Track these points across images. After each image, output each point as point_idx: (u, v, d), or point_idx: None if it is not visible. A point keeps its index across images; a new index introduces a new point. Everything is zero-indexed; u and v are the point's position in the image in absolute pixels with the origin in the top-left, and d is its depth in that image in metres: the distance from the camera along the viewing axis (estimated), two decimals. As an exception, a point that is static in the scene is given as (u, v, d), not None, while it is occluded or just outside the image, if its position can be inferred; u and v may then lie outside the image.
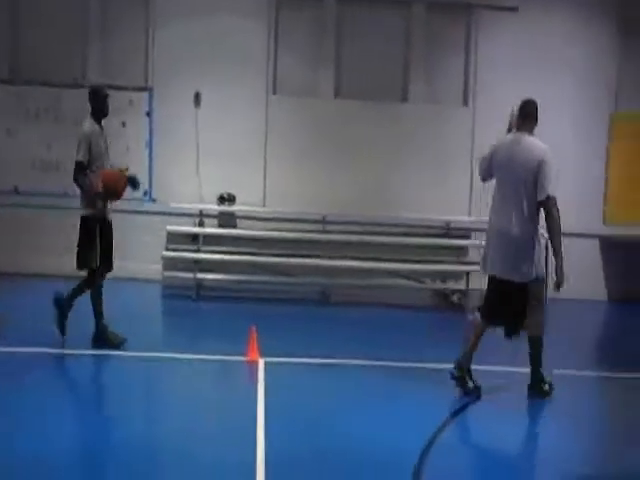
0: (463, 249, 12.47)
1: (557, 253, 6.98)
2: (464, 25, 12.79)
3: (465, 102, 12.77)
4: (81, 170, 8.14)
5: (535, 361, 7.34)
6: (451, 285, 12.11)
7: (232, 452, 5.73)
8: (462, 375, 7.35)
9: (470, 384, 7.33)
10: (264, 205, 12.52)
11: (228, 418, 6.56)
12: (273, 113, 12.58)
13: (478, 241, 12.09)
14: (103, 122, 8.42)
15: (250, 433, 5.99)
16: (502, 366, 8.25)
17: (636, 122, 12.76)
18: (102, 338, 8.29)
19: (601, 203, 12.93)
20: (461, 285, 11.98)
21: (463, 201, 12.61)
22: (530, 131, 7.30)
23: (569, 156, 12.56)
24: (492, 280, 7.28)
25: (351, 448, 5.90)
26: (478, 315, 7.36)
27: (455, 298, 11.68)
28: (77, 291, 8.38)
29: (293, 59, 12.66)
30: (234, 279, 11.79)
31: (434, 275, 12.21)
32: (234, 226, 12.24)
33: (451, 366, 7.43)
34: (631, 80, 12.83)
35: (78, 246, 8.28)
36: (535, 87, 12.51)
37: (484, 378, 7.60)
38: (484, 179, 7.49)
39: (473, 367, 7.43)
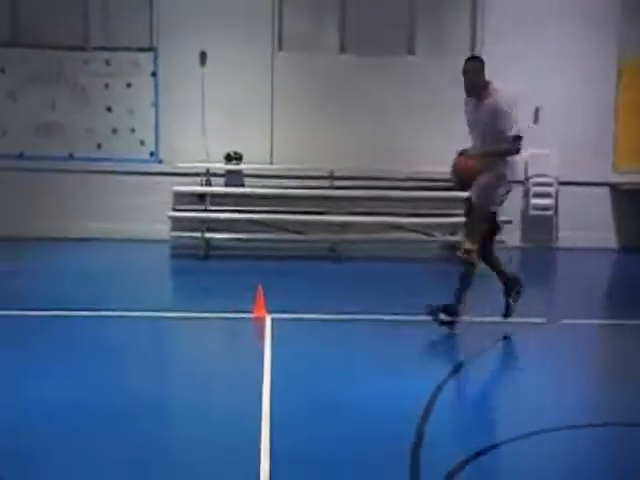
0: (473, 201, 12.33)
1: None
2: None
3: (472, 51, 12.56)
4: None
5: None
6: (460, 237, 11.99)
7: (238, 405, 5.74)
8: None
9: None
10: (271, 162, 12.46)
11: (234, 374, 6.55)
12: (279, 70, 12.45)
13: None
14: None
15: (256, 388, 5.99)
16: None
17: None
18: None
19: (611, 152, 12.77)
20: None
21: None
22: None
23: (578, 106, 12.50)
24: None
25: (356, 401, 5.90)
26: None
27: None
28: None
29: (298, 15, 12.50)
30: (242, 237, 11.76)
31: (443, 228, 12.13)
32: (241, 185, 12.19)
33: (462, 318, 7.57)
34: (638, 29, 12.61)
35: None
36: (543, 37, 12.42)
37: (487, 329, 7.64)
38: None
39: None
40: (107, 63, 12.30)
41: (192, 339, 7.76)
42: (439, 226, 12.07)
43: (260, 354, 6.87)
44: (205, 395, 6.02)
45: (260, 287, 8.17)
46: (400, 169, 12.08)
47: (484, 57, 11.78)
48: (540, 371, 6.92)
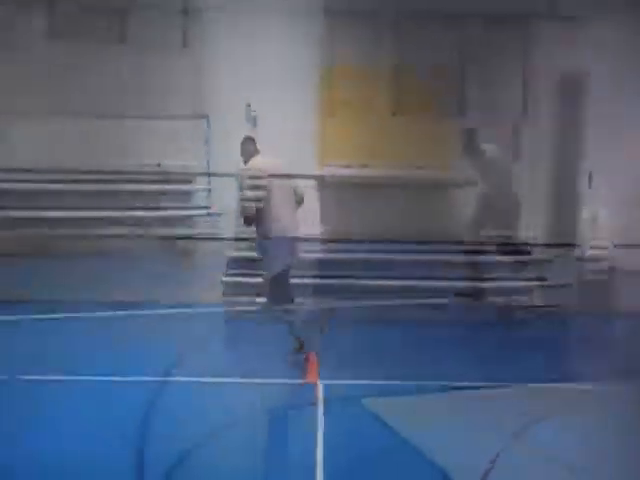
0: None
1: None
2: (520, 37, 12.59)
3: (525, 112, 12.55)
4: None
5: None
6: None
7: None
8: None
9: None
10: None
11: (284, 441, 6.52)
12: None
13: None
14: None
15: (309, 455, 5.93)
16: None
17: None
18: None
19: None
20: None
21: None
22: None
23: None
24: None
25: (408, 463, 5.83)
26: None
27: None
28: None
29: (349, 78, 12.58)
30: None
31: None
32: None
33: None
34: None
35: None
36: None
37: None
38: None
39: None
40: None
41: (240, 406, 7.65)
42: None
43: (313, 421, 6.81)
44: (254, 467, 5.95)
45: (312, 353, 8.12)
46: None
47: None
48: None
